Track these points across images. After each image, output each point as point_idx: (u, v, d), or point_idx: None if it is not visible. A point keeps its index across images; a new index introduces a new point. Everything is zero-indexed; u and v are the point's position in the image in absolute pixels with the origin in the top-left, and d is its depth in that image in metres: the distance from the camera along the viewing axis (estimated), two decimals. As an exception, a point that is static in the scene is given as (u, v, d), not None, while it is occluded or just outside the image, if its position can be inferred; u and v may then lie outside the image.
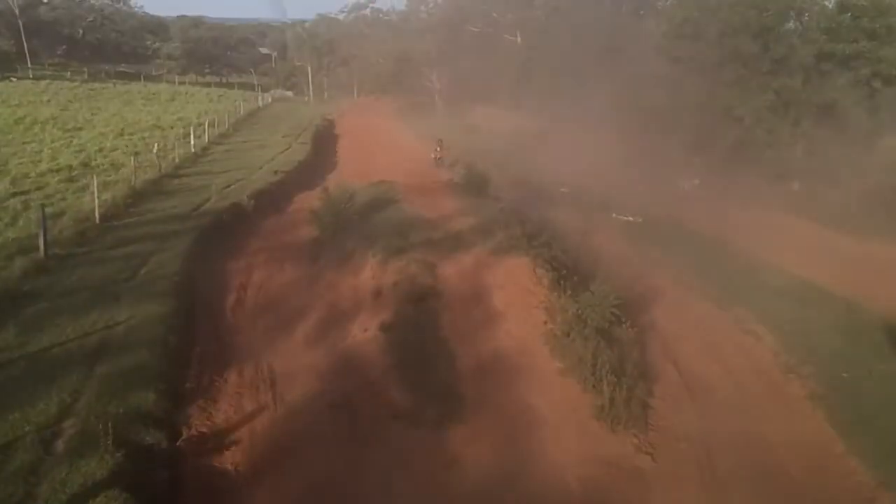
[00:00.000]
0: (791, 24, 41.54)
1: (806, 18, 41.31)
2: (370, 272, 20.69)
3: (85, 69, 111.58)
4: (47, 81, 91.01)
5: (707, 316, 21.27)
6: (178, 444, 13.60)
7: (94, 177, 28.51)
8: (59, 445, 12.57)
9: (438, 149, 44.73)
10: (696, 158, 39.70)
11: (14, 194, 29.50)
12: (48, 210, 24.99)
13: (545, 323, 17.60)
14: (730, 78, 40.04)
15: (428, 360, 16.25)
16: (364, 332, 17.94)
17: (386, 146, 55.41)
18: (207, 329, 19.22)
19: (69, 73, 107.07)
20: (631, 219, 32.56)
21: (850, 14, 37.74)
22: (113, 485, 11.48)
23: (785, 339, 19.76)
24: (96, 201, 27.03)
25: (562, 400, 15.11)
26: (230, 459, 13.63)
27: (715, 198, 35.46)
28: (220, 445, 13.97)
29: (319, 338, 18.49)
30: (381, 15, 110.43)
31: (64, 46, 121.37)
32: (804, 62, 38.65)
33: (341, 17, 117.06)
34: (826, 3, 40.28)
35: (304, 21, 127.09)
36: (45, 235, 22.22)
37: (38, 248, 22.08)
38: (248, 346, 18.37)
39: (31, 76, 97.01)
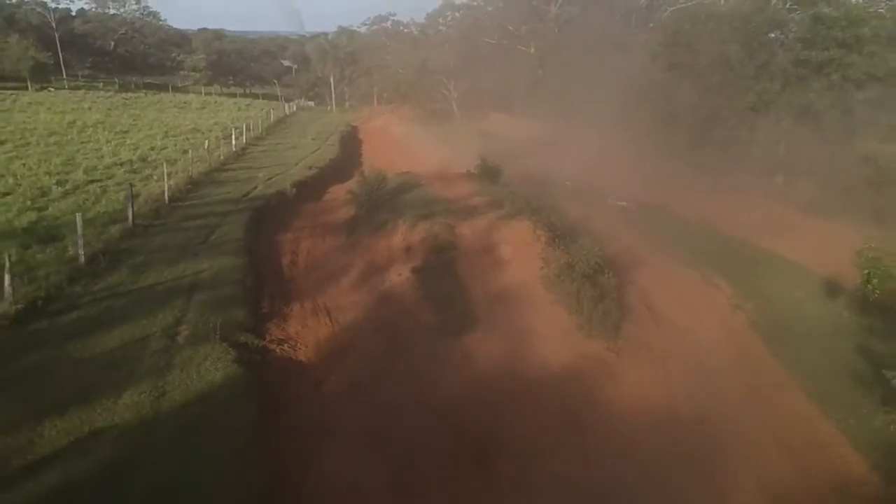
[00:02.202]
0: (772, 35, 45.83)
1: (787, 28, 45.60)
2: (401, 234, 25.24)
3: (116, 80, 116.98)
4: (83, 91, 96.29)
5: (678, 273, 25.55)
6: (263, 343, 18.26)
7: (164, 164, 33.49)
8: (180, 339, 17.28)
9: None
10: (690, 155, 43.93)
11: (90, 182, 34.39)
12: (125, 192, 29.87)
13: (541, 268, 22.14)
14: (717, 82, 44.46)
15: (449, 292, 20.87)
16: (398, 276, 22.56)
17: (405, 148, 60.20)
18: (271, 278, 23.93)
19: (101, 84, 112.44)
20: (624, 204, 36.95)
21: (824, 25, 41.92)
22: (225, 359, 16.15)
23: (740, 288, 24.15)
24: (166, 185, 31.88)
25: (551, 319, 19.68)
26: (301, 355, 18.38)
27: (704, 189, 39.74)
28: (294, 346, 18.68)
29: (362, 283, 23.17)
30: (401, 28, 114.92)
31: (90, 59, 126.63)
32: (783, 68, 43.00)
33: (363, 29, 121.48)
34: (802, 15, 44.42)
35: (325, 34, 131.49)
36: (132, 208, 27.09)
37: (126, 219, 26.92)
38: (305, 290, 23.05)
39: (65, 86, 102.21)
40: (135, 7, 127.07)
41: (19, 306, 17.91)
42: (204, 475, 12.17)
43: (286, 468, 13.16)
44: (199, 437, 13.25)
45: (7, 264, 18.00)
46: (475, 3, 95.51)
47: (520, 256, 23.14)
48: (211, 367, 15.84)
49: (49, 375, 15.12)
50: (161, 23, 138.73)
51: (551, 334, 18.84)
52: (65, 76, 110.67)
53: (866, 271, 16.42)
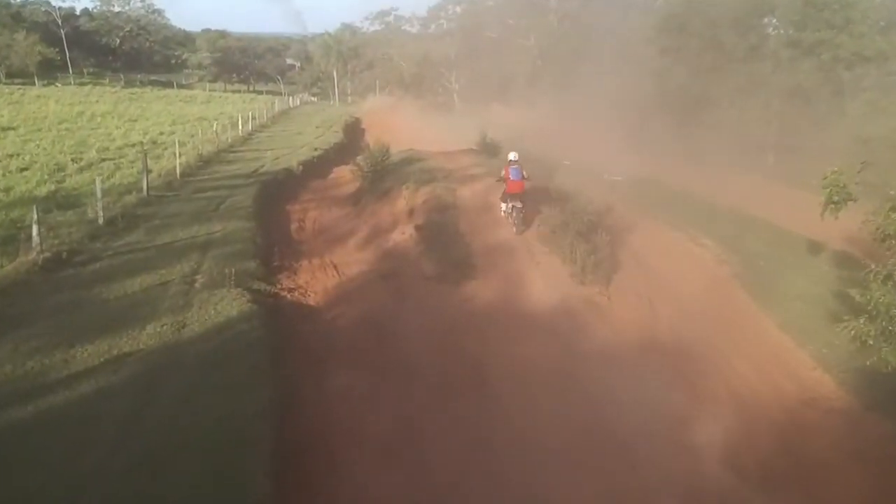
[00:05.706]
0: (765, 19, 47.08)
1: (778, 12, 46.78)
2: (404, 199, 26.34)
3: (121, 76, 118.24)
4: (90, 86, 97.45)
5: (667, 234, 26.45)
6: (275, 290, 19.50)
7: (176, 143, 34.77)
8: (198, 285, 18.51)
9: None
10: (682, 135, 45.07)
11: (103, 160, 35.82)
12: (138, 168, 31.25)
13: (538, 226, 23.31)
14: (708, 65, 45.64)
15: (450, 246, 21.99)
16: (402, 234, 23.77)
17: (407, 135, 61.35)
18: (280, 240, 25.23)
19: (107, 80, 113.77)
20: (619, 178, 38.04)
21: (815, 8, 43.15)
22: (240, 300, 17.36)
23: (725, 246, 25.20)
24: (177, 161, 33.22)
25: (546, 269, 20.85)
26: (311, 300, 19.64)
27: (695, 166, 40.88)
28: (304, 293, 19.94)
29: (367, 243, 24.41)
30: (403, 25, 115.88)
31: (95, 56, 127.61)
32: (774, 50, 44.23)
33: (366, 24, 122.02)
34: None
35: (328, 33, 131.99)
36: (147, 178, 28.40)
37: (141, 189, 28.22)
38: (313, 250, 24.33)
39: (71, 82, 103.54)
40: (139, 5, 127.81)
41: (47, 254, 19.21)
42: (222, 388, 13.28)
43: (296, 382, 14.35)
44: (218, 357, 14.45)
45: (35, 216, 19.28)
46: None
47: (517, 216, 24.31)
48: (227, 306, 17.04)
49: (76, 311, 16.42)
50: (165, 21, 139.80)
51: (546, 280, 20.00)
52: (71, 73, 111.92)
53: (828, 190, 17.32)
